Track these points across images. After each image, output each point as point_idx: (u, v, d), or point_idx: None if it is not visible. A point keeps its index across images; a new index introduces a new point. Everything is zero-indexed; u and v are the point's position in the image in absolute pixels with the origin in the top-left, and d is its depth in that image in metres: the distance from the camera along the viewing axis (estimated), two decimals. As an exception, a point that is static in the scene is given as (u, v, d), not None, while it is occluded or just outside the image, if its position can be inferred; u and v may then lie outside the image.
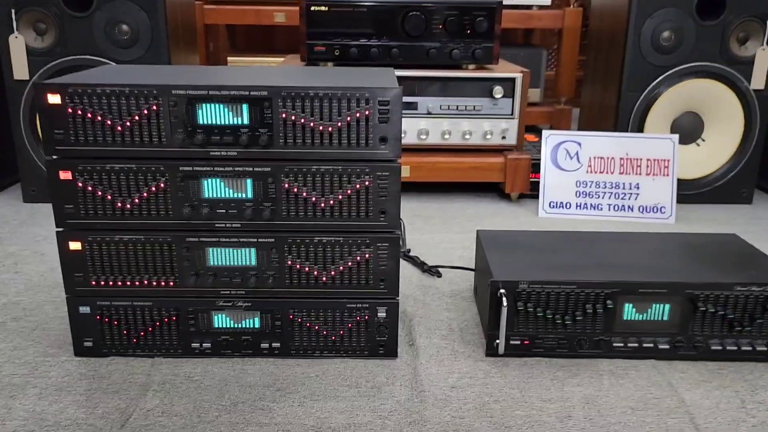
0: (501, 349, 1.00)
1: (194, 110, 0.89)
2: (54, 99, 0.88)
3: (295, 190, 0.92)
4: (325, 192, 0.93)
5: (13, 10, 1.59)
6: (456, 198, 1.85)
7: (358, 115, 0.90)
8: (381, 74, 1.03)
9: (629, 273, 1.01)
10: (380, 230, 0.95)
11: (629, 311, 1.00)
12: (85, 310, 0.97)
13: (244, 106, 0.89)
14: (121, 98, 0.88)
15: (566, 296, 0.99)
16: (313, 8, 1.66)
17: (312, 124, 0.90)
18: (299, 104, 0.89)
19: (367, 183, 0.92)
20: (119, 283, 0.96)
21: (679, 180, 1.77)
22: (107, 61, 1.63)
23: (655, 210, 1.67)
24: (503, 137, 1.77)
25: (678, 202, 1.77)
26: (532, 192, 1.79)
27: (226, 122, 0.90)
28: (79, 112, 0.88)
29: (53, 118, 0.89)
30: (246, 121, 0.90)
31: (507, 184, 1.78)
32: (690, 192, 1.81)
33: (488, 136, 1.77)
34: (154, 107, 0.89)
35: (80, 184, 0.92)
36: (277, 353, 1.00)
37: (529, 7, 2.39)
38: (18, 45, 1.61)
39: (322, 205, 0.93)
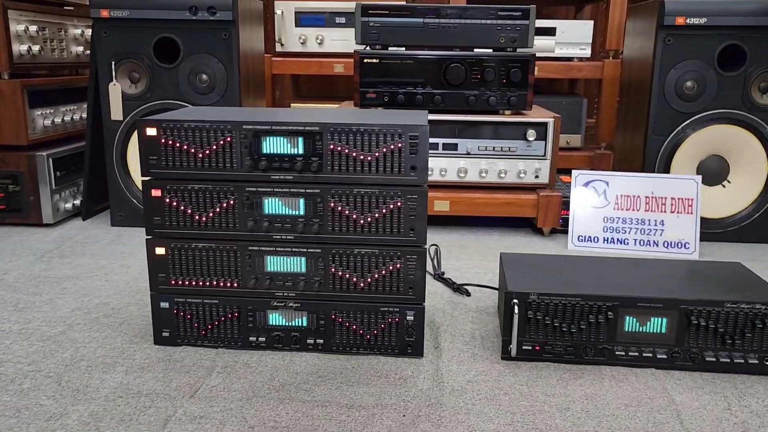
0: (513, 353, 1.14)
1: (259, 142, 1.10)
2: (151, 131, 1.11)
3: (339, 208, 1.11)
4: (364, 211, 1.11)
5: (113, 62, 1.88)
6: (492, 231, 2.01)
7: (392, 147, 1.09)
8: (415, 115, 1.22)
9: (630, 289, 1.14)
10: (409, 244, 1.12)
11: (630, 323, 1.13)
12: (164, 305, 1.18)
13: (300, 139, 1.10)
14: (202, 132, 1.10)
15: (572, 307, 1.13)
16: (365, 60, 1.89)
17: (354, 154, 1.09)
18: (344, 138, 1.09)
19: (399, 204, 1.10)
20: (193, 283, 1.16)
21: (705, 219, 1.88)
22: (188, 105, 1.89)
23: (679, 246, 1.78)
24: (536, 176, 1.93)
25: (705, 240, 1.87)
26: (562, 227, 1.93)
27: (285, 152, 1.10)
28: (170, 142, 1.11)
29: (150, 146, 1.12)
30: (301, 151, 1.10)
31: (539, 219, 1.93)
32: (717, 231, 1.90)
33: (522, 175, 1.93)
34: (228, 139, 1.10)
35: (167, 200, 1.13)
36: (320, 348, 1.18)
37: (570, 59, 2.57)
38: (115, 91, 1.90)
39: (361, 222, 1.12)
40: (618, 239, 1.81)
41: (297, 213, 1.12)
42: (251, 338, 1.18)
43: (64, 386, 1.05)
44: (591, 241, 1.83)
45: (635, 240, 1.81)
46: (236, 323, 1.18)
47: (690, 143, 1.87)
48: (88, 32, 2.25)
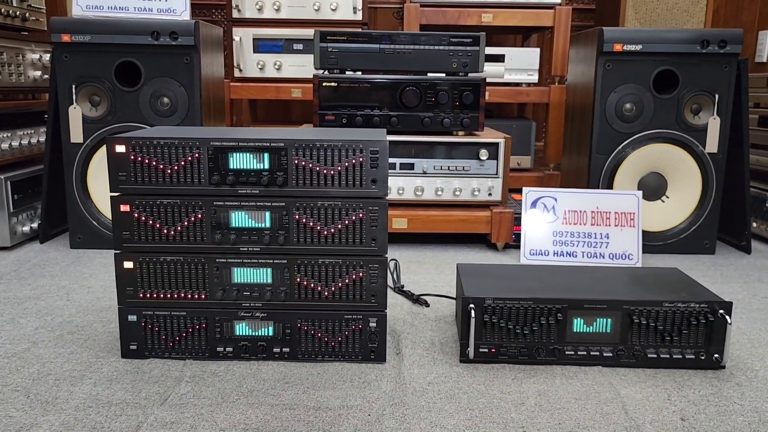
0: (471, 355, 1.21)
1: (226, 157, 1.15)
2: (120, 149, 1.15)
3: (304, 220, 1.17)
4: (328, 222, 1.17)
5: (73, 85, 1.90)
6: (448, 247, 2.09)
7: (354, 161, 1.15)
8: (374, 132, 1.29)
9: (577, 292, 1.23)
10: (371, 254, 1.18)
11: (578, 324, 1.21)
12: (132, 318, 1.20)
13: (266, 154, 1.15)
14: (171, 148, 1.15)
15: (524, 311, 1.20)
16: (324, 84, 1.96)
17: (318, 169, 1.15)
18: (308, 153, 1.15)
19: (361, 215, 1.17)
20: (161, 296, 1.19)
21: (647, 232, 2.00)
22: (149, 127, 1.92)
23: (623, 257, 1.89)
24: (489, 194, 2.02)
25: (647, 252, 1.99)
26: (515, 242, 2.02)
27: (251, 167, 1.16)
28: (139, 158, 1.15)
29: (119, 163, 1.15)
30: (267, 166, 1.15)
31: (493, 234, 2.02)
32: (658, 243, 2.03)
33: (476, 193, 2.02)
34: (196, 155, 1.15)
35: (136, 215, 1.17)
36: (286, 357, 1.22)
37: (519, 84, 2.70)
38: (76, 114, 1.91)
39: (325, 233, 1.17)
40: (567, 252, 1.91)
41: (263, 225, 1.17)
42: (218, 349, 1.21)
43: (33, 398, 1.06)
44: (542, 254, 1.92)
45: (583, 252, 1.91)
46: (204, 334, 1.21)
47: (630, 161, 2.00)
48: (46, 57, 2.26)
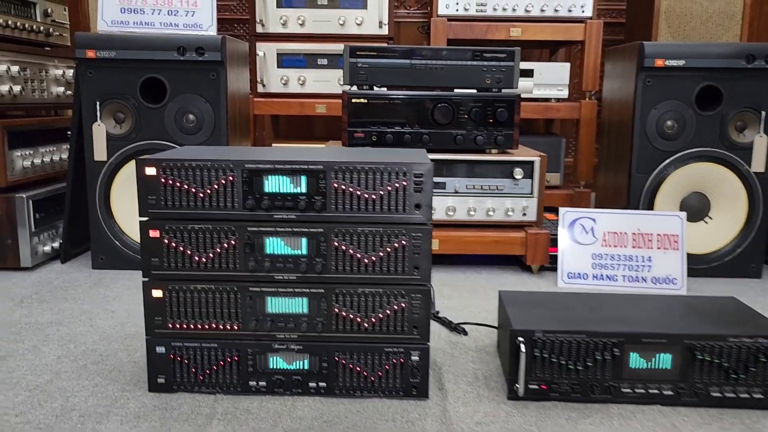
0: (521, 392, 1.13)
1: (261, 180, 1.09)
2: (150, 171, 1.09)
3: (343, 247, 1.10)
4: (368, 250, 1.10)
5: (98, 102, 1.86)
6: (481, 269, 2.01)
7: (396, 185, 1.08)
8: (415, 153, 1.22)
9: (634, 325, 1.15)
10: (414, 283, 1.11)
11: (635, 360, 1.12)
12: (161, 350, 1.14)
13: (303, 177, 1.09)
14: (203, 170, 1.09)
15: (577, 345, 1.12)
16: (354, 100, 1.90)
17: (359, 193, 1.09)
18: (348, 176, 1.08)
19: (403, 242, 1.10)
20: (191, 326, 1.13)
21: (689, 255, 1.91)
22: (174, 145, 1.87)
23: (667, 281, 1.80)
24: (524, 214, 1.95)
25: (690, 275, 1.90)
26: (551, 265, 1.94)
27: (288, 190, 1.09)
28: (170, 181, 1.09)
29: (148, 186, 1.09)
30: (304, 190, 1.09)
31: (528, 256, 1.94)
32: (701, 266, 1.94)
33: (510, 213, 1.94)
34: (231, 178, 1.09)
35: (166, 241, 1.10)
36: (323, 392, 1.14)
37: (548, 99, 2.63)
38: (100, 131, 1.87)
39: (366, 260, 1.10)
40: (607, 275, 1.83)
41: (300, 252, 1.11)
42: (251, 383, 1.14)
43: (57, 438, 1.00)
44: (580, 278, 1.84)
45: (624, 276, 1.82)
46: (236, 367, 1.14)
47: (672, 181, 1.91)
48: (69, 73, 2.22)
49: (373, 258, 1.10)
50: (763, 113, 1.86)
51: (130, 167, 1.90)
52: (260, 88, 2.62)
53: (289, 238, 1.10)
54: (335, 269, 1.11)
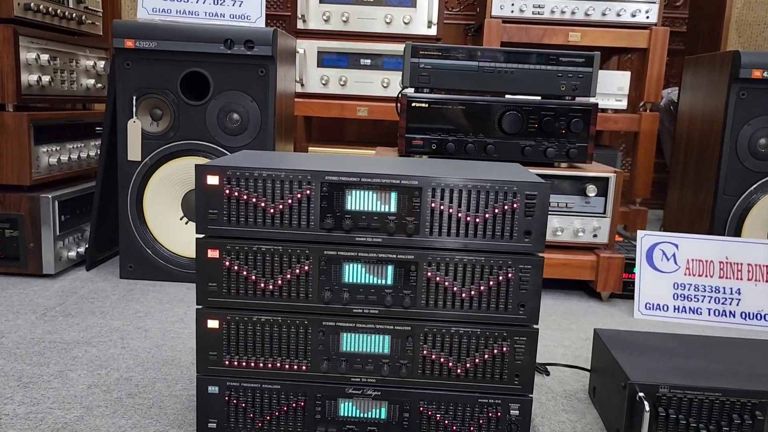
0: (639, 458, 0.95)
1: (343, 196, 0.92)
2: (213, 180, 0.92)
3: (437, 279, 0.93)
4: (466, 282, 0.93)
5: (134, 96, 1.70)
6: (545, 294, 1.83)
7: (505, 207, 0.91)
8: (517, 170, 1.05)
9: (775, 382, 0.97)
10: (518, 324, 0.94)
11: (776, 424, 0.94)
12: (213, 389, 0.97)
13: (393, 194, 0.91)
14: (275, 182, 0.92)
15: (710, 404, 0.94)
16: (414, 104, 1.73)
17: (459, 215, 0.91)
18: (448, 195, 0.91)
19: (509, 275, 0.92)
20: (251, 365, 0.96)
21: (779, 287, 1.72)
22: (216, 146, 1.71)
23: (759, 317, 1.62)
24: (594, 235, 1.77)
25: (779, 310, 1.71)
26: (622, 292, 1.76)
27: (374, 209, 0.92)
28: (236, 193, 0.92)
29: (210, 198, 0.92)
30: (393, 209, 0.92)
31: (599, 282, 1.76)
32: (790, 300, 1.75)
33: (579, 234, 1.76)
34: (307, 192, 0.92)
35: (227, 263, 0.93)
36: (402, 447, 0.97)
37: (605, 110, 2.45)
38: (135, 129, 1.70)
39: (463, 295, 0.93)
40: (690, 308, 1.65)
41: (384, 283, 0.93)
42: (318, 432, 0.97)
43: (94, 500, 0.83)
44: (660, 309, 1.66)
45: (709, 309, 1.64)
46: (301, 414, 0.97)
47: (764, 205, 1.73)
48: (101, 64, 2.06)
49: (472, 292, 0.93)
50: None
51: (167, 169, 1.73)
52: (298, 88, 2.46)
53: (372, 266, 0.93)
54: (425, 304, 0.93)
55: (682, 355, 1.06)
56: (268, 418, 0.97)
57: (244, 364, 0.96)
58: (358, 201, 0.92)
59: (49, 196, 1.72)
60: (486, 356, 0.94)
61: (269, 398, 0.96)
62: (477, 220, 0.91)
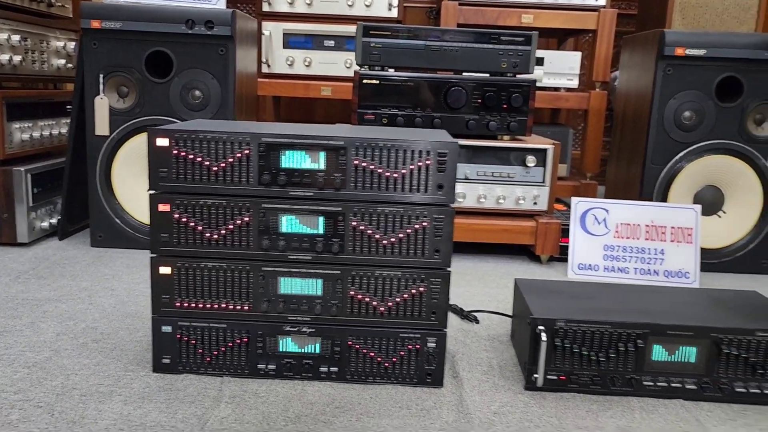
0: (540, 383, 1.09)
1: (278, 156, 1.04)
2: (162, 142, 1.04)
3: (362, 228, 1.06)
4: (388, 231, 1.06)
5: (101, 75, 1.80)
6: (488, 258, 1.97)
7: (420, 164, 1.04)
8: (436, 133, 1.18)
9: (658, 317, 1.11)
10: (434, 267, 1.07)
11: (659, 352, 1.09)
12: (167, 329, 1.09)
13: (322, 154, 1.04)
14: (218, 143, 1.04)
15: (600, 335, 1.08)
16: (365, 81, 1.85)
17: (380, 171, 1.04)
18: (370, 153, 1.04)
19: (425, 224, 1.05)
20: (200, 306, 1.08)
21: (702, 249, 1.87)
22: (179, 121, 1.82)
23: (679, 275, 1.77)
24: (535, 203, 1.91)
25: (702, 270, 1.86)
26: (561, 255, 1.90)
27: (306, 167, 1.05)
28: (182, 153, 1.04)
29: (160, 158, 1.04)
30: (323, 167, 1.04)
31: (538, 246, 1.90)
32: (713, 261, 1.90)
33: (521, 202, 1.90)
34: (246, 152, 1.04)
35: (176, 216, 1.06)
36: (334, 377, 1.10)
37: (557, 89, 2.59)
38: (102, 105, 1.81)
39: (384, 242, 1.06)
40: (619, 268, 1.79)
41: (316, 232, 1.06)
42: (260, 366, 1.10)
43: (58, 417, 0.95)
44: (591, 269, 1.80)
45: (636, 269, 1.79)
46: (244, 349, 1.10)
47: (687, 173, 1.88)
48: (71, 45, 2.16)
49: (392, 240, 1.06)
50: (783, 107, 1.83)
51: (133, 143, 1.84)
52: (265, 69, 2.56)
53: (305, 217, 1.06)
54: (352, 250, 1.06)
55: (583, 298, 1.20)
56: (216, 353, 1.10)
57: (193, 305, 1.08)
58: (292, 160, 1.05)
59: (22, 170, 1.82)
60: (406, 296, 1.08)
61: (216, 336, 1.09)
62: (395, 175, 1.04)
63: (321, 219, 1.06)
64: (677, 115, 1.85)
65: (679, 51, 1.80)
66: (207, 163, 1.04)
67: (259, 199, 1.05)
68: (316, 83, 2.57)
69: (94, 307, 1.42)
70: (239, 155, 1.04)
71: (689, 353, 1.09)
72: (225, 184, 1.05)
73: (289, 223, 1.06)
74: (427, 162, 1.04)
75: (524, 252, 2.03)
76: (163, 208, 1.06)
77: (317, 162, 1.04)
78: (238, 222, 1.06)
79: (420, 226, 1.05)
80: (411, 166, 1.04)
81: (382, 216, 1.05)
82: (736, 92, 1.83)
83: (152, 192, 1.06)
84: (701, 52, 1.80)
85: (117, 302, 1.46)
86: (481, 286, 1.70)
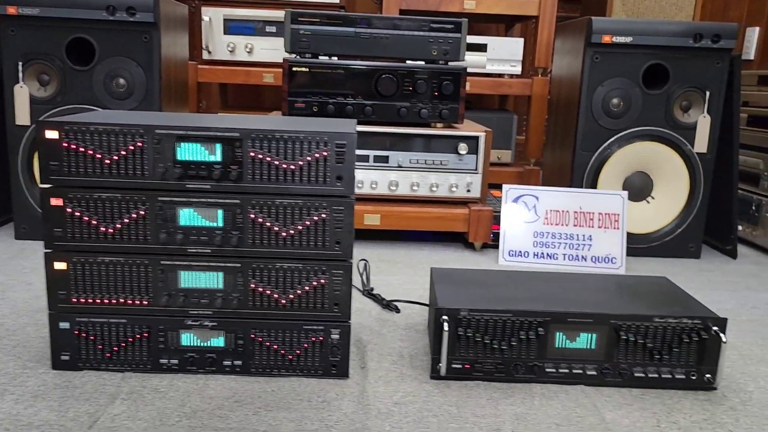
0: (443, 371, 1.09)
1: (174, 148, 1.02)
2: (52, 134, 1.01)
3: (261, 220, 1.04)
4: (287, 223, 1.05)
5: (20, 63, 1.75)
6: (423, 246, 1.97)
7: (317, 155, 1.03)
8: (342, 123, 1.16)
9: (560, 304, 1.12)
10: (335, 258, 1.06)
11: (560, 339, 1.10)
12: (64, 325, 1.07)
13: (218, 146, 1.02)
14: (110, 135, 1.01)
15: (503, 324, 1.09)
16: (294, 69, 1.83)
17: (277, 163, 1.03)
18: (266, 145, 1.02)
19: (324, 216, 1.04)
20: (98, 301, 1.06)
21: (631, 234, 1.90)
22: (100, 110, 1.77)
23: (606, 260, 1.79)
24: (468, 190, 1.91)
25: (630, 255, 1.90)
26: (494, 242, 1.92)
27: (202, 159, 1.03)
28: (73, 146, 1.01)
29: (50, 151, 1.01)
30: (219, 159, 1.03)
31: (470, 233, 1.91)
32: (642, 246, 1.94)
33: (454, 189, 1.90)
34: (139, 144, 1.02)
35: (69, 210, 1.03)
36: (238, 371, 1.09)
37: (501, 75, 2.59)
38: (22, 94, 1.76)
39: (284, 234, 1.05)
40: (548, 254, 1.81)
41: (215, 225, 1.05)
42: (162, 361, 1.09)
43: (-59, 419, 0.93)
44: (521, 255, 1.82)
45: (564, 254, 1.81)
46: (145, 344, 1.08)
47: (616, 159, 1.90)
48: (-5, 31, 2.08)
49: (292, 231, 1.05)
50: (708, 93, 1.85)
51: (56, 133, 1.79)
52: (206, 55, 2.52)
53: (203, 209, 1.04)
54: (252, 243, 1.05)
55: (492, 286, 1.21)
56: (116, 349, 1.08)
57: (91, 301, 1.06)
58: (188, 152, 1.03)
59: (-60, 161, 1.77)
60: (308, 288, 1.07)
61: (116, 331, 1.07)
62: (293, 167, 1.03)
63: (220, 212, 1.04)
64: (605, 102, 1.86)
65: (606, 38, 1.82)
66: (99, 155, 1.02)
67: (155, 192, 1.03)
68: (258, 70, 2.53)
69: (6, 302, 1.39)
70: (132, 147, 1.02)
71: (589, 340, 1.10)
72: (119, 177, 1.03)
73: (187, 216, 1.04)
74: (325, 153, 1.03)
75: (459, 239, 2.04)
76: (56, 202, 1.03)
77: (214, 154, 1.03)
78: (134, 215, 1.04)
79: (319, 218, 1.04)
80: (309, 158, 1.03)
81: (281, 208, 1.04)
82: (663, 79, 1.85)
83: (43, 186, 1.03)
84: (628, 39, 1.81)
85: (31, 297, 1.43)
86: (410, 275, 1.70)
